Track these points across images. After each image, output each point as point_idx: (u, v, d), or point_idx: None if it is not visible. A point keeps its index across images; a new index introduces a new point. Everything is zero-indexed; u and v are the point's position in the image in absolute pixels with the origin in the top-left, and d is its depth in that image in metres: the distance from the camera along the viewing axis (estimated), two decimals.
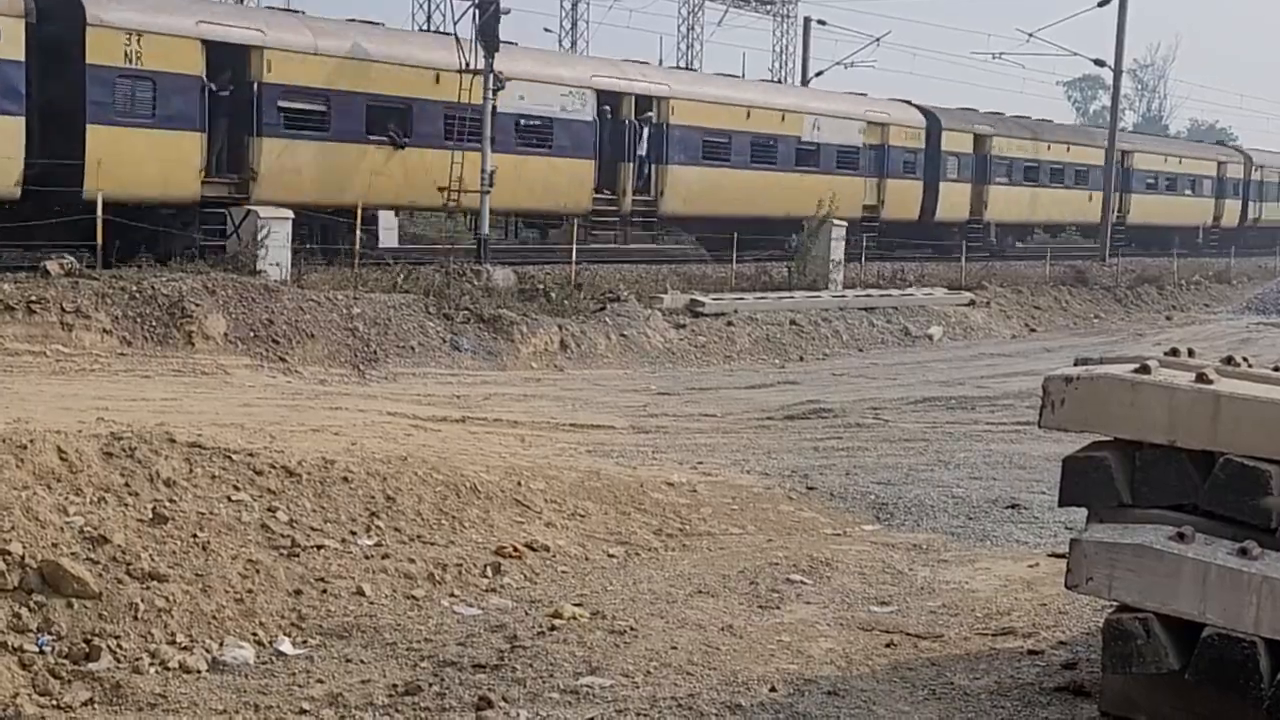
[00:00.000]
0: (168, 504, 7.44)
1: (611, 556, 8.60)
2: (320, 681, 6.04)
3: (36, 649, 5.97)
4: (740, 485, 11.28)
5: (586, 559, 8.46)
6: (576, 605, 7.16)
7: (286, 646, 6.48)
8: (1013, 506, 10.54)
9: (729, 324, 23.64)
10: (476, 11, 24.49)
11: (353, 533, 7.90)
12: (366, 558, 7.62)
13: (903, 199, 36.43)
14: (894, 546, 9.09)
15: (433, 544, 8.07)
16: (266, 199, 21.99)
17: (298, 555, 7.39)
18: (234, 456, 8.36)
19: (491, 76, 24.43)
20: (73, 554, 6.50)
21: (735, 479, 11.60)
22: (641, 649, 6.43)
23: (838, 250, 28.80)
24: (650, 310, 22.96)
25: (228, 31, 22.39)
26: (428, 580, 7.51)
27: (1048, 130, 43.66)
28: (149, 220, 20.88)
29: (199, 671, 6.09)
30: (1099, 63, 42.70)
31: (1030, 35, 42.13)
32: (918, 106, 38.23)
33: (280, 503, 7.95)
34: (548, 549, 8.39)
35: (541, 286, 22.70)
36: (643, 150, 29.31)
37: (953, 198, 38.08)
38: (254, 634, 6.54)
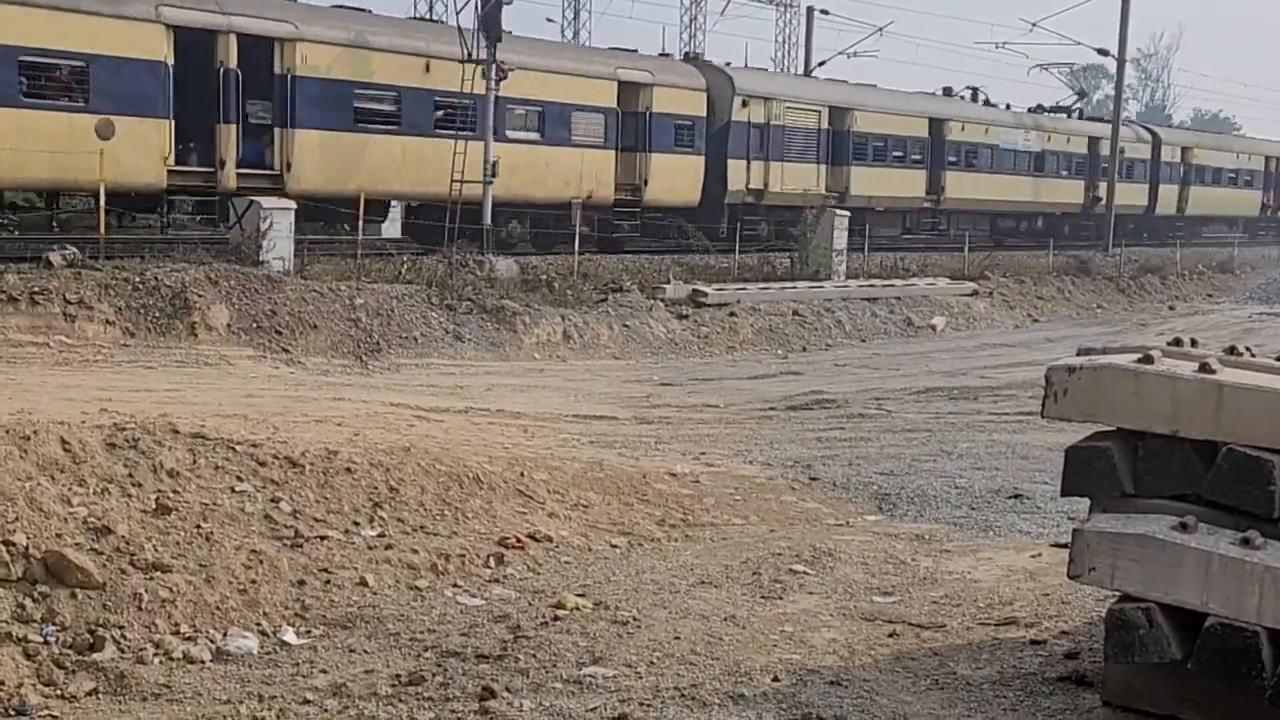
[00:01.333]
0: (171, 495, 7.45)
1: (614, 547, 8.60)
2: (324, 671, 6.06)
3: (41, 639, 5.99)
4: (743, 476, 11.29)
5: (589, 549, 8.46)
6: (579, 596, 7.17)
7: (290, 636, 6.50)
8: (1015, 497, 10.54)
9: (732, 314, 23.63)
10: (479, 2, 24.46)
11: (356, 523, 7.92)
12: (370, 548, 7.63)
13: None
14: (897, 537, 9.09)
15: (436, 534, 8.08)
16: None
17: (301, 546, 7.40)
18: (237, 447, 8.38)
19: (494, 67, 24.40)
20: (76, 544, 6.52)
21: (738, 469, 11.61)
22: (644, 639, 6.44)
23: (840, 240, 28.76)
24: (653, 301, 22.95)
25: None
26: (431, 571, 7.52)
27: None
28: None
29: (203, 662, 6.11)
30: (1102, 52, 42.69)
31: (1033, 25, 42.16)
32: None
33: (283, 493, 7.97)
34: (551, 539, 8.40)
35: (544, 277, 22.69)
36: None
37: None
38: (258, 624, 6.55)
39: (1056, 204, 43.41)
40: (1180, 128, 53.48)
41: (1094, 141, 44.61)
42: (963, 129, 38.92)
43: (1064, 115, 45.68)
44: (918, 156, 37.20)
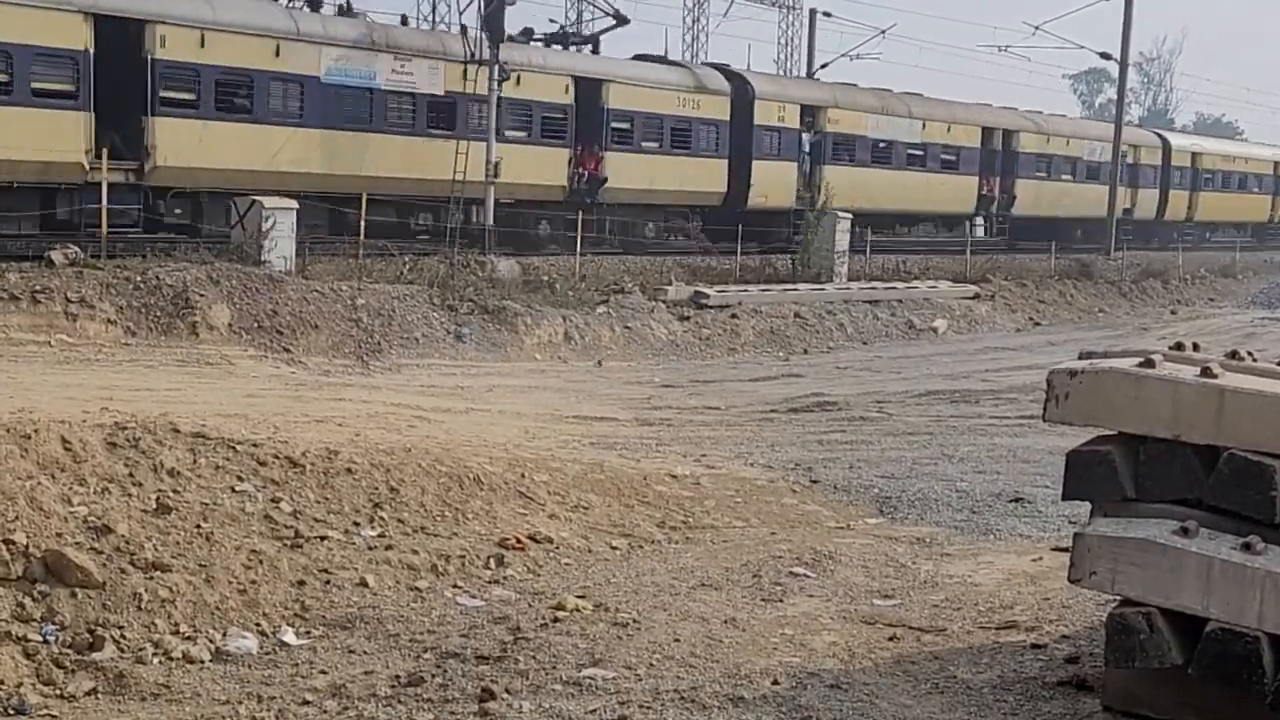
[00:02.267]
0: (171, 494, 7.45)
1: (615, 549, 8.60)
2: (323, 672, 6.05)
3: (40, 639, 5.98)
4: (744, 478, 11.28)
5: (590, 551, 8.46)
6: (579, 597, 7.16)
7: (290, 637, 6.49)
8: (1016, 500, 10.53)
9: (733, 316, 23.63)
10: (482, 3, 24.48)
11: (356, 524, 7.91)
12: (370, 549, 7.63)
13: None
14: (897, 540, 9.08)
15: (436, 535, 8.07)
16: None
17: (301, 546, 7.40)
18: (238, 447, 8.37)
19: (497, 67, 24.43)
20: (77, 544, 6.51)
21: (739, 472, 11.60)
22: (644, 641, 6.43)
23: (842, 242, 28.76)
24: (654, 302, 22.97)
25: None
26: (431, 571, 7.52)
27: None
28: None
29: (202, 662, 6.10)
30: (1105, 56, 42.72)
31: (1036, 28, 41.95)
32: None
33: (284, 493, 7.96)
34: (551, 541, 8.39)
35: (546, 278, 22.71)
36: None
37: None
38: (257, 624, 6.55)
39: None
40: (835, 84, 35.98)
41: (588, 87, 27.98)
42: (202, 43, 21.85)
43: (539, 44, 29.55)
44: (62, 87, 20.41)
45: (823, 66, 45.55)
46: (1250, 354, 5.81)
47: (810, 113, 32.96)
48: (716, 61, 32.92)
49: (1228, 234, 52.06)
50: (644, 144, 29.19)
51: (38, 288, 16.63)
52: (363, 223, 22.30)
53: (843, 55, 46.96)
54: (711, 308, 23.59)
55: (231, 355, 16.81)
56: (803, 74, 45.51)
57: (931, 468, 11.94)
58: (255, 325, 17.71)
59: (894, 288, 28.05)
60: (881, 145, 34.80)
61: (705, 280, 25.26)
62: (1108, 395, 5.35)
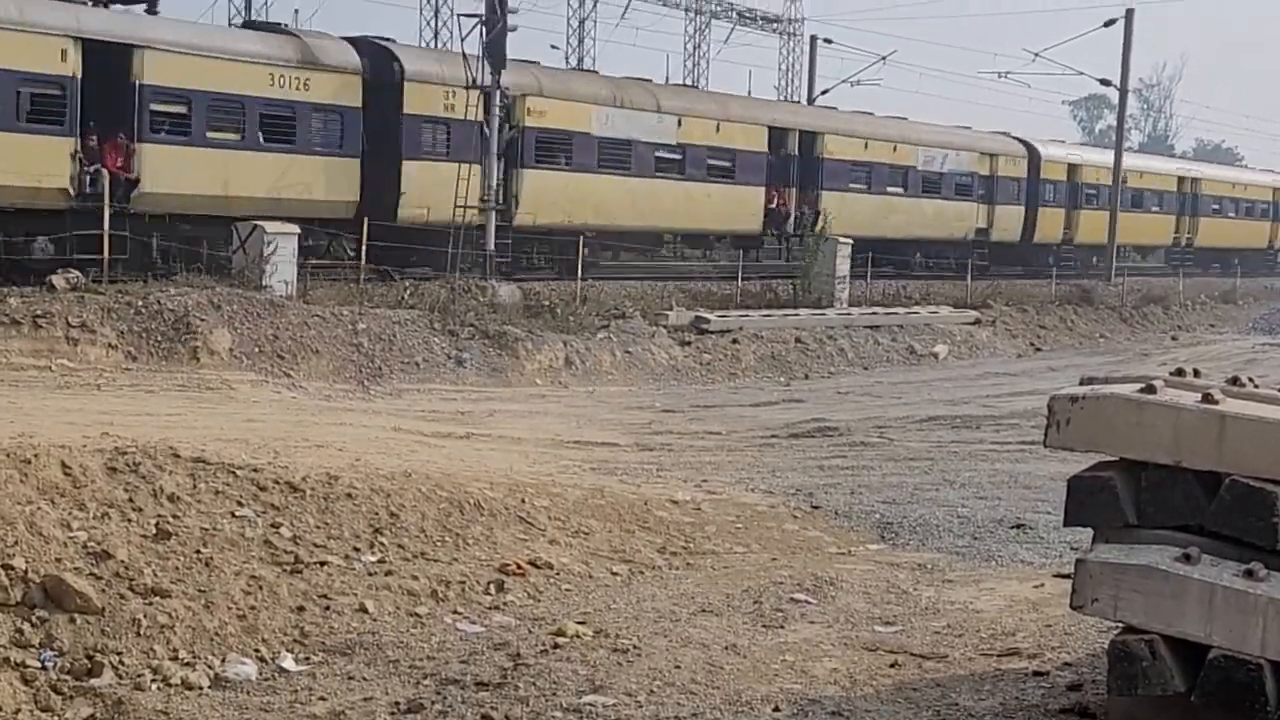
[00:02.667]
0: (171, 519, 7.44)
1: (615, 574, 8.58)
2: (323, 699, 6.03)
3: (39, 664, 5.96)
4: (745, 503, 11.26)
5: (590, 577, 8.44)
6: (580, 623, 7.14)
7: (289, 663, 6.47)
8: (1018, 526, 10.50)
9: (734, 341, 23.64)
10: (483, 29, 24.58)
11: (356, 549, 7.89)
12: (370, 574, 7.61)
13: None
14: (899, 566, 9.06)
15: (436, 561, 8.06)
16: None
17: (301, 571, 7.38)
18: (238, 472, 8.37)
19: (498, 93, 24.50)
20: (76, 569, 6.50)
21: (740, 497, 11.57)
22: (645, 668, 6.41)
23: (843, 268, 28.82)
24: (655, 327, 22.99)
25: None
26: (431, 597, 7.50)
27: None
28: None
29: (201, 688, 6.08)
30: (1105, 82, 42.79)
31: (1036, 55, 42.03)
32: None
33: (284, 519, 7.95)
34: (551, 566, 8.37)
35: (547, 303, 22.74)
36: None
37: None
38: (256, 650, 6.53)
39: None
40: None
41: (108, 54, 20.43)
42: None
43: None
44: None
45: (824, 92, 45.73)
46: (1251, 380, 5.81)
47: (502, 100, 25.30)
48: (378, 35, 25.55)
49: (1127, 257, 44.37)
50: (211, 135, 21.76)
51: (39, 312, 16.66)
52: (364, 247, 22.31)
53: (844, 81, 47.12)
54: (712, 333, 23.62)
55: (232, 380, 16.82)
56: (803, 100, 45.63)
57: (933, 493, 11.92)
58: (256, 350, 17.73)
59: (895, 313, 28.09)
60: (614, 145, 27.82)
61: (706, 305, 25.30)
62: (1109, 421, 5.34)
